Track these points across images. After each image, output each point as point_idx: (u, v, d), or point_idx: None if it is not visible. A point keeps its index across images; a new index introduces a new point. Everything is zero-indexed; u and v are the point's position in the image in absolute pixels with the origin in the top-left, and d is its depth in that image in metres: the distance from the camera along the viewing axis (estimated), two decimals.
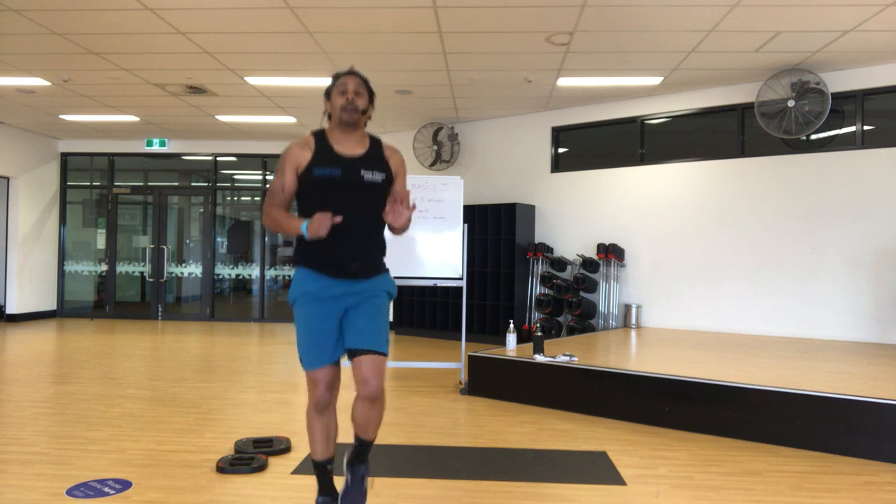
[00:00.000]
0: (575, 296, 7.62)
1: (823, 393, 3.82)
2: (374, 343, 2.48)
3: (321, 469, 2.62)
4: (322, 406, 2.54)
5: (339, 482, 2.74)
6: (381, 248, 2.60)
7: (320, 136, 2.57)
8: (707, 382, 4.16)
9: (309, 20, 5.39)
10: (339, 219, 2.40)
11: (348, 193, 2.49)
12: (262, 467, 3.35)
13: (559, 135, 8.48)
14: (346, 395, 4.78)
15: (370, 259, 2.55)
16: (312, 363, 2.51)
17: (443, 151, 9.01)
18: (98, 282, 11.23)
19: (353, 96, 2.51)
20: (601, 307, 7.80)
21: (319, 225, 2.35)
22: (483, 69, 6.68)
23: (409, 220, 2.48)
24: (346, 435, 3.87)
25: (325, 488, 2.62)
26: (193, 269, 11.08)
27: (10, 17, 5.35)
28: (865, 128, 6.48)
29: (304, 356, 2.53)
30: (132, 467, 3.35)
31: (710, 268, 7.24)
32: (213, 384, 5.53)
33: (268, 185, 10.94)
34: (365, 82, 2.58)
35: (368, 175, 2.52)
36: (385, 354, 2.53)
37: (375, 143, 2.63)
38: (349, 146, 2.55)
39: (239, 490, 3.06)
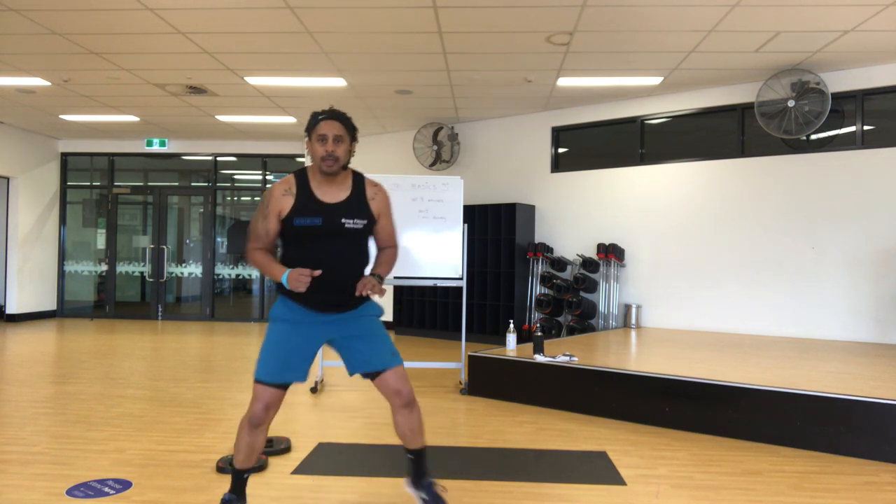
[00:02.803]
0: (575, 296, 7.62)
1: (823, 393, 3.82)
2: (388, 361, 2.58)
3: (237, 475, 2.60)
4: (256, 423, 2.53)
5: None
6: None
7: (302, 179, 2.56)
8: (707, 382, 4.16)
9: (309, 20, 5.39)
10: (318, 273, 2.44)
11: (329, 240, 2.53)
12: (262, 467, 3.35)
13: (559, 135, 8.48)
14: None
15: (351, 294, 2.56)
16: (268, 375, 2.51)
17: (443, 151, 9.01)
18: (98, 282, 11.24)
19: (332, 147, 2.49)
20: (601, 307, 7.80)
21: (298, 282, 2.40)
22: (483, 69, 6.68)
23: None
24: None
25: (236, 489, 2.61)
26: (193, 269, 11.08)
27: (10, 17, 5.35)
28: (865, 128, 6.48)
29: (262, 365, 2.53)
30: (132, 467, 3.35)
31: (710, 268, 7.24)
32: (213, 384, 5.53)
33: (268, 186, 10.98)
34: (345, 123, 2.54)
35: (350, 223, 2.54)
36: (401, 364, 2.61)
37: (358, 184, 2.62)
38: (331, 190, 2.56)
39: None
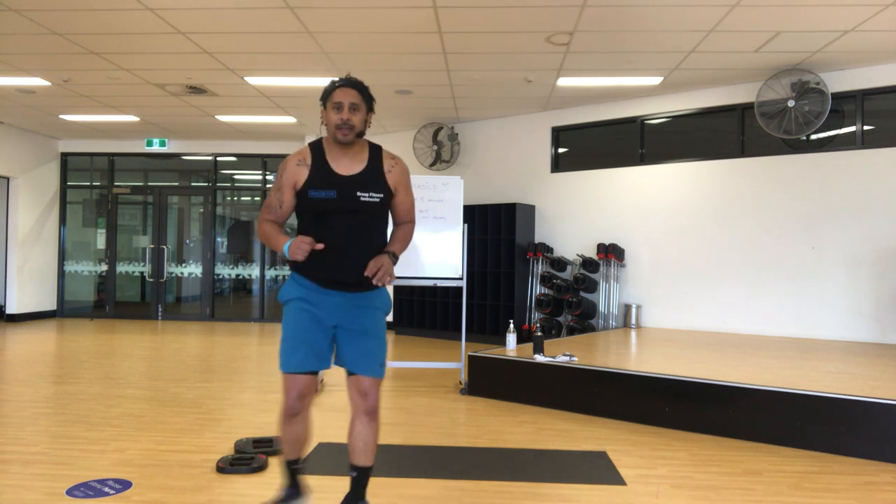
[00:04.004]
0: (575, 296, 7.62)
1: (823, 393, 3.82)
2: (372, 370, 2.50)
3: (286, 466, 2.64)
4: (291, 413, 2.50)
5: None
6: None
7: (317, 151, 2.49)
8: (707, 382, 4.16)
9: (309, 20, 5.39)
10: (320, 246, 2.39)
11: (344, 214, 2.45)
12: (262, 467, 3.35)
13: (559, 135, 8.48)
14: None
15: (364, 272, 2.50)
16: (291, 366, 2.46)
17: (443, 151, 9.01)
18: (98, 282, 11.24)
19: (348, 115, 2.42)
20: (601, 307, 7.80)
21: (297, 250, 2.34)
22: (483, 69, 6.68)
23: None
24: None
25: (290, 480, 2.65)
26: (193, 269, 11.08)
27: (10, 17, 5.35)
28: (865, 128, 6.48)
29: (284, 357, 2.48)
30: (132, 467, 3.35)
31: (710, 268, 7.24)
32: (213, 384, 5.53)
33: (268, 185, 11.01)
34: (361, 91, 2.46)
35: (365, 196, 2.46)
36: (381, 377, 2.54)
37: (375, 156, 2.54)
38: (346, 162, 2.48)
39: (239, 490, 3.06)
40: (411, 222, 2.68)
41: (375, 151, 2.56)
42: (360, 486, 2.55)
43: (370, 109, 2.50)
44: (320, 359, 2.49)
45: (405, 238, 2.63)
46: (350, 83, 2.46)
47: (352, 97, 2.43)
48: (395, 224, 2.68)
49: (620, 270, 7.81)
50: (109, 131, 10.21)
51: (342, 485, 3.14)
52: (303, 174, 2.45)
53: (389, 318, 9.22)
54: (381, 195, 2.50)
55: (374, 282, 2.41)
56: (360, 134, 2.48)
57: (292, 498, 2.62)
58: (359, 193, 2.45)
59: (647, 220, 7.68)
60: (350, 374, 2.52)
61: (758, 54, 6.14)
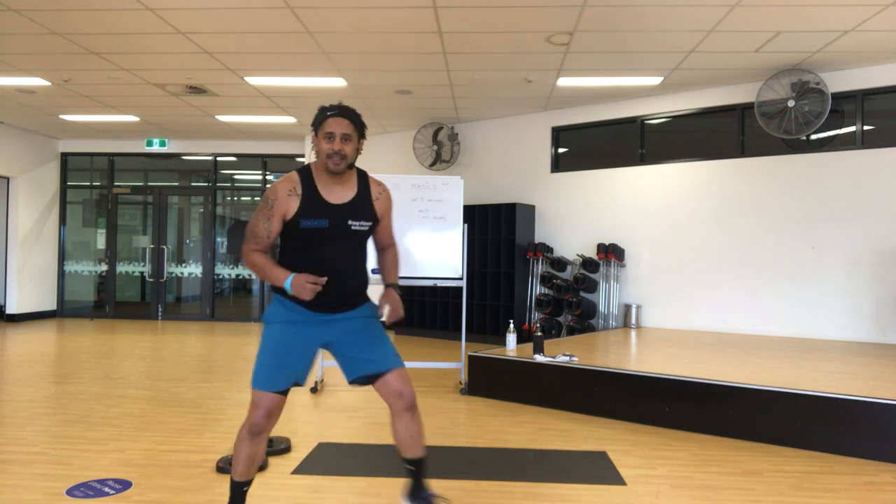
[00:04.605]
0: (575, 296, 7.62)
1: (823, 393, 3.82)
2: (392, 362, 2.52)
3: (237, 488, 2.48)
4: (257, 431, 2.42)
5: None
6: (363, 281, 2.58)
7: (307, 178, 2.46)
8: (707, 382, 4.16)
9: (309, 20, 5.39)
10: (324, 280, 2.39)
11: (334, 242, 2.46)
12: (262, 467, 3.35)
13: (559, 135, 8.48)
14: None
15: (352, 294, 2.53)
16: (266, 384, 2.41)
17: (443, 151, 9.01)
18: (98, 282, 11.24)
19: (339, 146, 2.39)
20: (601, 307, 7.80)
21: (303, 289, 2.33)
22: (483, 69, 6.68)
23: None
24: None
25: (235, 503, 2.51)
26: (193, 269, 11.08)
27: (10, 17, 5.35)
28: (865, 128, 6.48)
29: (259, 374, 2.42)
30: (132, 467, 3.35)
31: (710, 268, 7.24)
32: (213, 384, 5.53)
33: (267, 186, 10.99)
34: (353, 121, 2.44)
35: (356, 225, 2.48)
36: (404, 366, 2.56)
37: (363, 184, 2.54)
38: (337, 190, 2.47)
39: None
40: (394, 245, 2.72)
41: (363, 178, 2.56)
42: (420, 477, 2.61)
43: (362, 136, 2.49)
44: (293, 376, 2.47)
45: (397, 265, 2.70)
46: (342, 112, 2.43)
47: (344, 127, 2.41)
48: (378, 248, 2.70)
49: (620, 270, 7.81)
50: (109, 131, 10.21)
51: (342, 485, 3.15)
52: (294, 204, 2.42)
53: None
54: (370, 223, 2.53)
55: (388, 322, 2.48)
56: (351, 165, 2.47)
57: None
58: (350, 222, 2.47)
59: (647, 220, 7.68)
60: (374, 380, 2.50)
61: (758, 54, 6.14)
